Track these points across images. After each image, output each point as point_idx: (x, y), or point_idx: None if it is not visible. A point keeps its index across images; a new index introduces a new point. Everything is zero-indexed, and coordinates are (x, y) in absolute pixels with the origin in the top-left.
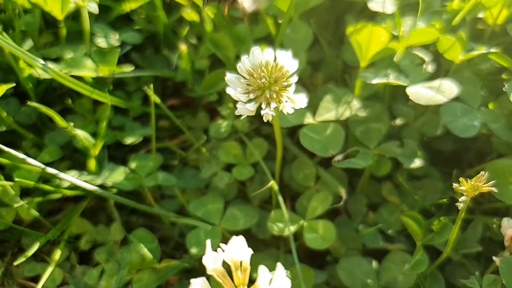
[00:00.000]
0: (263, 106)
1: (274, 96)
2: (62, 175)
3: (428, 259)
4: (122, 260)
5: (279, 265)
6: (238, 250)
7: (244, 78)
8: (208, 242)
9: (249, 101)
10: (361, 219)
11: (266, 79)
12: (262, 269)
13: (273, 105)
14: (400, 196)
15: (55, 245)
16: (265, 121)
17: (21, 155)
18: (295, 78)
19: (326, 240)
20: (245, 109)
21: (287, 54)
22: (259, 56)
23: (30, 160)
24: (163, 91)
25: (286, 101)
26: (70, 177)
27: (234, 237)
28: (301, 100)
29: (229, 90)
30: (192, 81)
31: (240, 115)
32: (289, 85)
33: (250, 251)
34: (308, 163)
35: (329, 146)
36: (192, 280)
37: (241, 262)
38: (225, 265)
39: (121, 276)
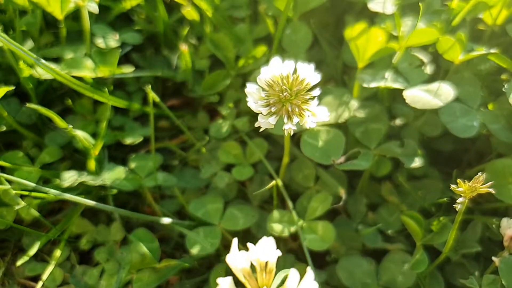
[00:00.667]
0: (284, 120)
1: (296, 110)
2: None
3: (428, 259)
4: (122, 259)
5: (309, 269)
6: (265, 251)
7: (264, 90)
8: (235, 241)
9: (269, 113)
10: (360, 219)
11: (287, 92)
12: (292, 272)
13: (295, 119)
14: (399, 196)
15: (55, 245)
16: (285, 135)
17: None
18: (317, 91)
19: (325, 241)
20: (267, 123)
21: (308, 66)
22: (279, 67)
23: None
24: (163, 91)
25: (309, 116)
26: (76, 198)
27: (263, 238)
28: (323, 113)
29: (250, 103)
30: (192, 81)
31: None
32: (311, 98)
33: (278, 253)
34: (308, 164)
35: (330, 152)
36: (219, 280)
37: (266, 263)
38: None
39: (121, 275)
